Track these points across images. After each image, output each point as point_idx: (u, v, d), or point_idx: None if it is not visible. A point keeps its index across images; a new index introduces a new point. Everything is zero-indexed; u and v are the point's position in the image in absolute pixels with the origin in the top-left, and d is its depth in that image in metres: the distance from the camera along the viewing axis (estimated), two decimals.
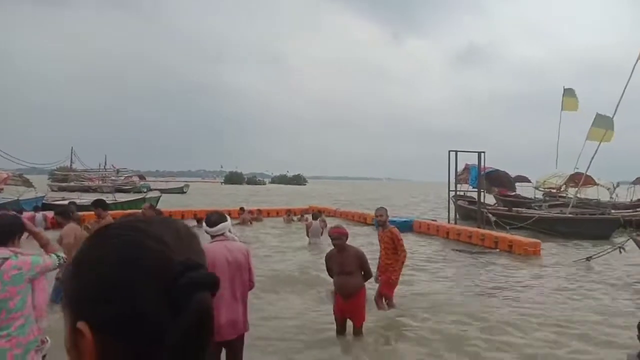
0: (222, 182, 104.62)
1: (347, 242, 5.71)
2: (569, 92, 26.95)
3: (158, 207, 15.89)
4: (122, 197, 25.41)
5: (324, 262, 5.94)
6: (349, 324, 5.80)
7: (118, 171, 27.61)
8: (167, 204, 24.98)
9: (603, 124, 19.11)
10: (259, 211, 22.03)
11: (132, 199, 24.63)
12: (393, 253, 6.91)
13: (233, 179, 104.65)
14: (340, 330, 5.78)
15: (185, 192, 50.89)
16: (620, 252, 10.75)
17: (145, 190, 31.86)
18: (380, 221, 7.09)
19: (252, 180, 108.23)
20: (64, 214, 7.39)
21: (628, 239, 11.00)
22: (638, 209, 21.12)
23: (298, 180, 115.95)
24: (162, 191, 37.40)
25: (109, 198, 24.16)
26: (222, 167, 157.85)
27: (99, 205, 7.14)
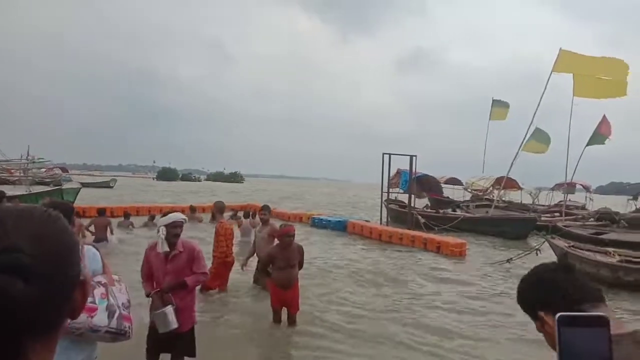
0: (154, 178, 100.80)
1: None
2: (497, 103, 28.74)
3: (76, 201, 15.02)
4: (38, 189, 23.62)
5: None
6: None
7: (33, 162, 25.44)
8: (93, 199, 23.64)
9: (541, 139, 20.47)
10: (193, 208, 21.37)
11: (46, 190, 22.97)
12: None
13: (166, 174, 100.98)
14: (277, 319, 6.23)
15: (112, 187, 48.53)
16: (537, 254, 11.38)
17: (64, 183, 29.78)
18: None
19: (187, 177, 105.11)
20: None
21: (544, 242, 11.69)
22: (555, 214, 22.57)
23: (235, 177, 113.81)
24: (87, 185, 35.36)
25: (25, 190, 22.43)
26: (154, 162, 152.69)
27: None
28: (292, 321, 6.22)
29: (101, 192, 34.78)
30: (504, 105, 28.74)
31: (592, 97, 17.63)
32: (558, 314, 1.02)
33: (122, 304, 3.03)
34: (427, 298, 8.47)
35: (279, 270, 6.02)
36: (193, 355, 4.32)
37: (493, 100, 28.97)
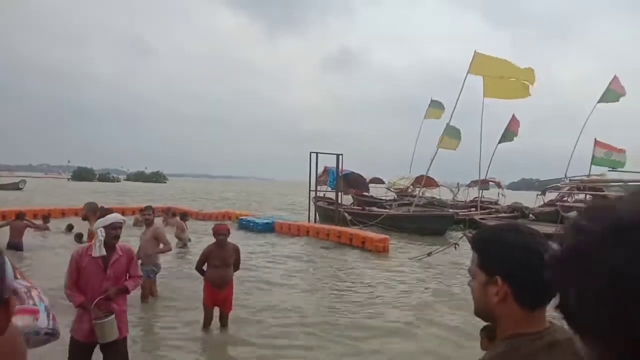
0: (69, 179, 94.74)
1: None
2: (434, 104, 29.96)
3: None
4: None
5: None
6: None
7: None
8: None
9: (452, 134, 21.57)
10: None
11: None
12: None
13: (82, 175, 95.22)
14: (209, 319, 6.16)
15: (21, 189, 45.00)
16: (455, 248, 12.14)
17: None
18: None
19: (105, 177, 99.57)
20: None
21: (462, 237, 12.46)
22: (471, 209, 24.10)
23: (157, 177, 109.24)
24: None
25: None
26: (69, 161, 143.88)
27: None
28: (224, 320, 6.22)
29: (9, 195, 32.17)
30: (439, 106, 29.84)
31: (500, 97, 18.83)
32: None
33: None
34: (352, 294, 8.77)
35: (215, 268, 6.02)
36: None
37: (431, 100, 30.32)
